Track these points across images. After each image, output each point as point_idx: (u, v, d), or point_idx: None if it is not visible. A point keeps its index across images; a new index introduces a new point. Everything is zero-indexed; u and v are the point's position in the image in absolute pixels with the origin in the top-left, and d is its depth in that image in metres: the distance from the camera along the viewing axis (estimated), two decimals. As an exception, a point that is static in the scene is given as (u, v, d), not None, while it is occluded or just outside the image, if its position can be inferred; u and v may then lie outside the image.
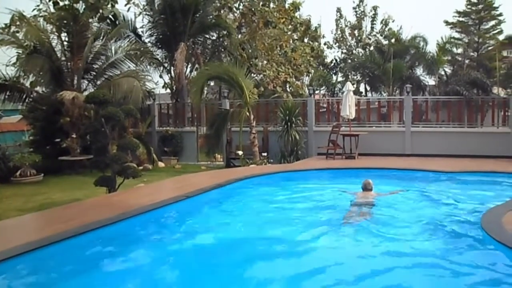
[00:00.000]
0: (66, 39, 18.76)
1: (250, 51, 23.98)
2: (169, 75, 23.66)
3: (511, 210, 7.79)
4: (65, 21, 18.22)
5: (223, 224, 8.33)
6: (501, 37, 36.62)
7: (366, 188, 9.89)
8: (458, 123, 18.84)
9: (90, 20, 19.22)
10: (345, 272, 6.03)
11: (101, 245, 6.69)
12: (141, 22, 23.76)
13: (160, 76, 24.00)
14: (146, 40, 23.18)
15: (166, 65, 23.64)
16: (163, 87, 24.17)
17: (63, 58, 18.55)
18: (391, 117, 20.33)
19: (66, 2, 18.21)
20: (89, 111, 16.81)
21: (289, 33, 26.92)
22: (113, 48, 19.75)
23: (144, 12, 23.43)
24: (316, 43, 34.10)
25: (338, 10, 35.74)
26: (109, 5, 19.76)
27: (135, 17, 23.49)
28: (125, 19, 22.24)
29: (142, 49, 21.46)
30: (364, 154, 17.07)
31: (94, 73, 19.19)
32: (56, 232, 6.44)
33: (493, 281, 5.64)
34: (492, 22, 37.74)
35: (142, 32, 23.27)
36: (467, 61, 36.14)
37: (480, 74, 26.34)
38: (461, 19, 38.74)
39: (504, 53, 35.78)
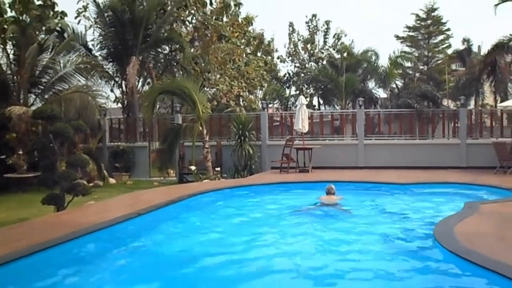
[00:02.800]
0: (13, 51, 18.21)
1: (203, 65, 23.88)
2: (120, 89, 23.28)
3: (462, 220, 7.95)
4: (12, 34, 17.68)
5: (176, 241, 8.19)
6: (449, 51, 37.88)
7: (330, 192, 10.66)
8: (410, 135, 19.24)
9: (38, 32, 18.74)
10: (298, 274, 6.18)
11: (50, 267, 6.39)
12: (92, 35, 23.35)
13: (111, 91, 23.62)
14: (97, 54, 22.79)
15: (117, 79, 23.25)
16: (114, 101, 23.77)
17: (9, 72, 17.97)
18: (344, 130, 20.56)
19: (12, 14, 17.74)
20: (36, 126, 16.31)
21: (242, 47, 26.99)
22: (62, 61, 19.27)
23: (95, 25, 23.05)
24: (269, 57, 34.34)
25: (291, 24, 36.18)
26: (58, 17, 19.38)
27: (86, 30, 23.11)
28: (75, 32, 21.82)
29: (92, 62, 21.04)
30: (318, 167, 17.16)
31: (42, 87, 18.65)
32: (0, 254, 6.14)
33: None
34: (441, 37, 39.13)
35: (93, 45, 22.92)
36: (417, 75, 37.20)
37: (430, 87, 27.04)
38: (411, 33, 39.89)
39: (453, 67, 36.96)
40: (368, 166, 17.80)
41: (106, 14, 22.16)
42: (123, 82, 22.52)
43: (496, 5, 23.11)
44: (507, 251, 6.40)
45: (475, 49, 35.54)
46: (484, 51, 29.79)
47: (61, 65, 19.16)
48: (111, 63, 23.12)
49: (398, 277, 6.16)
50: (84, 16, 23.05)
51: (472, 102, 32.24)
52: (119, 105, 23.98)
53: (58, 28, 20.12)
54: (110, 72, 23.19)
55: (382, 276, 6.21)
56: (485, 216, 8.50)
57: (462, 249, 6.14)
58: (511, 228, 7.92)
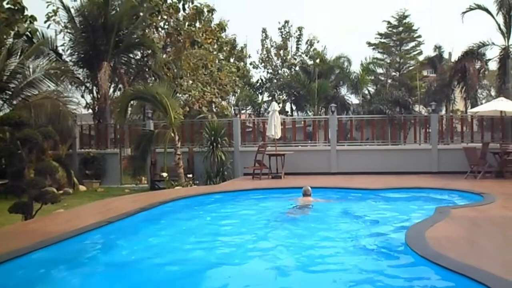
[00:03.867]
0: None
1: (175, 71, 23.75)
2: (91, 95, 22.98)
3: (434, 225, 8.04)
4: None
5: (148, 249, 8.05)
6: (421, 58, 38.46)
7: (306, 194, 11.46)
8: (382, 141, 19.43)
9: (5, 36, 18.38)
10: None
11: (17, 277, 6.24)
12: (62, 40, 22.95)
13: (82, 96, 23.26)
14: (67, 59, 22.43)
15: (88, 84, 22.94)
16: (84, 107, 23.43)
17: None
18: (316, 136, 20.63)
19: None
20: (4, 133, 15.94)
21: (214, 52, 26.94)
22: (31, 66, 18.91)
23: (66, 30, 22.73)
24: (242, 63, 34.33)
25: (264, 30, 36.25)
26: (27, 22, 19.05)
27: (56, 35, 22.75)
28: (45, 36, 21.48)
29: (62, 68, 20.69)
30: (290, 173, 17.19)
31: (10, 93, 18.27)
32: (-37, 266, 5.96)
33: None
34: (412, 44, 39.71)
35: (63, 50, 22.58)
36: (389, 81, 37.59)
37: (402, 93, 27.34)
38: (383, 40, 40.34)
39: (424, 73, 37.47)
40: (340, 172, 17.90)
41: (77, 19, 21.85)
42: (94, 87, 22.23)
43: (464, 12, 23.67)
44: (477, 255, 6.49)
45: (446, 55, 36.21)
46: (455, 57, 30.31)
47: (30, 70, 18.81)
48: (81, 69, 22.80)
49: (369, 282, 6.18)
50: (54, 20, 22.70)
51: (444, 108, 32.77)
52: (90, 111, 23.66)
53: (27, 33, 19.77)
54: (81, 78, 22.86)
55: (354, 280, 6.23)
56: (456, 221, 8.59)
57: (433, 254, 6.20)
58: (481, 232, 8.02)
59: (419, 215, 9.58)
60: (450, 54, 35.82)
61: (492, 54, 26.80)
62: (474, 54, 25.11)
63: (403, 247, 7.08)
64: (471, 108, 24.54)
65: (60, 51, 22.47)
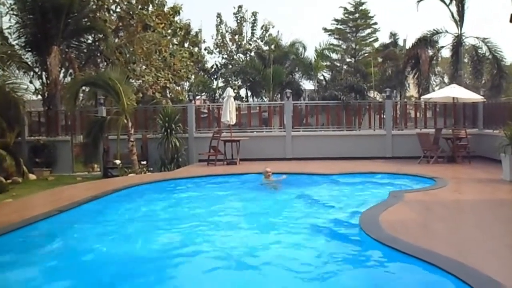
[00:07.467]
0: None
1: (128, 55, 23.26)
2: (40, 80, 22.27)
3: (387, 209, 8.20)
4: None
5: (101, 238, 7.89)
6: (376, 44, 38.85)
7: (267, 175, 12.59)
8: (337, 127, 19.58)
9: None
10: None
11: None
12: (9, 23, 22.04)
13: (31, 82, 22.45)
14: (14, 43, 21.61)
15: (37, 70, 22.21)
16: (33, 93, 22.67)
17: None
18: (272, 122, 20.64)
19: None
20: None
21: (168, 37, 26.52)
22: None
23: (12, 12, 21.88)
24: (197, 48, 33.96)
25: (219, 15, 35.82)
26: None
27: (1, 17, 21.86)
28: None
29: (9, 52, 19.92)
30: (245, 159, 17.20)
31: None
32: None
33: (370, 277, 5.84)
34: (368, 30, 40.08)
35: (9, 33, 21.70)
36: (345, 67, 37.85)
37: (357, 79, 27.59)
38: (339, 26, 40.61)
39: (379, 59, 37.93)
40: (296, 157, 17.98)
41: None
42: (44, 73, 21.55)
43: (419, 1, 24.03)
44: (429, 238, 6.69)
45: (401, 43, 36.72)
46: (409, 44, 30.75)
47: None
48: (29, 53, 22.03)
49: (323, 265, 6.24)
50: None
51: (398, 94, 33.25)
52: (39, 97, 22.94)
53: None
54: (29, 63, 22.09)
55: (307, 264, 6.26)
56: (409, 205, 8.80)
57: (387, 237, 6.36)
58: (433, 215, 8.23)
59: (373, 200, 9.71)
60: (404, 41, 36.34)
61: (446, 41, 27.37)
62: (427, 41, 25.54)
63: (358, 231, 7.20)
64: (424, 94, 25.03)
65: (6, 34, 21.63)
